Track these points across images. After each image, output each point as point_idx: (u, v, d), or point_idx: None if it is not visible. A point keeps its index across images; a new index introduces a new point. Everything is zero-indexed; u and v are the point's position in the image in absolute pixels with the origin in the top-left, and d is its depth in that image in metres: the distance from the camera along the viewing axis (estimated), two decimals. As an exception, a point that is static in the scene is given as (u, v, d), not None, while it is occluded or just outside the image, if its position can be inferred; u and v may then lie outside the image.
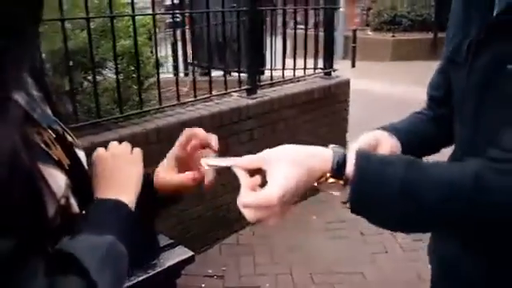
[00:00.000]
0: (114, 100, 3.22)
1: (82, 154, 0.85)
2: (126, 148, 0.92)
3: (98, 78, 3.21)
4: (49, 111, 0.80)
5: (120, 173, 0.86)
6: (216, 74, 3.88)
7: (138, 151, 0.92)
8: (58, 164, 0.73)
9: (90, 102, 3.08)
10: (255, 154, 0.83)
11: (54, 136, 0.77)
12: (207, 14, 3.60)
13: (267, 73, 4.68)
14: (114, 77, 3.05)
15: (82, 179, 0.76)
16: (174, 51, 5.57)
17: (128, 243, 0.76)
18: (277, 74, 4.54)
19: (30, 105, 0.73)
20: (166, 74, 5.46)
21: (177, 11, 5.08)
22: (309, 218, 4.14)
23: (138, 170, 0.89)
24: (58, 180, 0.71)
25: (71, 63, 2.79)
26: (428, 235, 1.28)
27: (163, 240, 2.69)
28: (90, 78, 2.96)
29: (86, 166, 0.86)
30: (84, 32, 2.89)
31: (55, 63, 3.02)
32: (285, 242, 3.78)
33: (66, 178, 0.73)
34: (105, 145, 0.90)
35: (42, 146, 0.72)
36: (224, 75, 3.83)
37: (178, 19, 5.94)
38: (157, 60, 3.28)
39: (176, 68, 4.92)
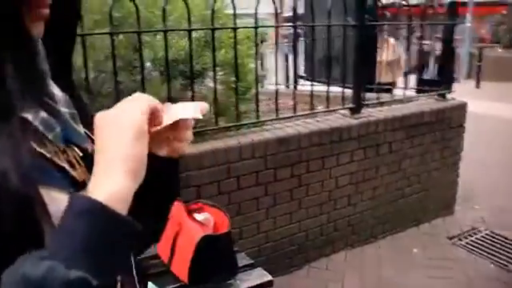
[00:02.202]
0: (212, 110, 3.21)
1: None
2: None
3: (199, 87, 3.23)
4: (80, 129, 0.76)
5: (110, 141, 0.62)
6: (320, 88, 3.74)
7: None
8: (80, 184, 0.69)
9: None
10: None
11: (81, 155, 0.73)
12: (312, 27, 3.49)
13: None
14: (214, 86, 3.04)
15: None
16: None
17: (105, 264, 0.55)
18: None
19: (45, 123, 0.69)
20: (270, 85, 5.42)
21: (285, 24, 5.02)
22: (408, 251, 3.83)
23: (132, 125, 0.62)
24: (63, 205, 0.63)
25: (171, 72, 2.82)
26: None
27: (244, 260, 2.60)
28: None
29: None
30: (184, 40, 2.92)
31: (158, 71, 3.08)
32: (378, 274, 3.51)
33: None
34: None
35: (65, 166, 0.69)
36: (327, 92, 3.66)
37: (291, 31, 5.91)
38: (256, 73, 3.21)
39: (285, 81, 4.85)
